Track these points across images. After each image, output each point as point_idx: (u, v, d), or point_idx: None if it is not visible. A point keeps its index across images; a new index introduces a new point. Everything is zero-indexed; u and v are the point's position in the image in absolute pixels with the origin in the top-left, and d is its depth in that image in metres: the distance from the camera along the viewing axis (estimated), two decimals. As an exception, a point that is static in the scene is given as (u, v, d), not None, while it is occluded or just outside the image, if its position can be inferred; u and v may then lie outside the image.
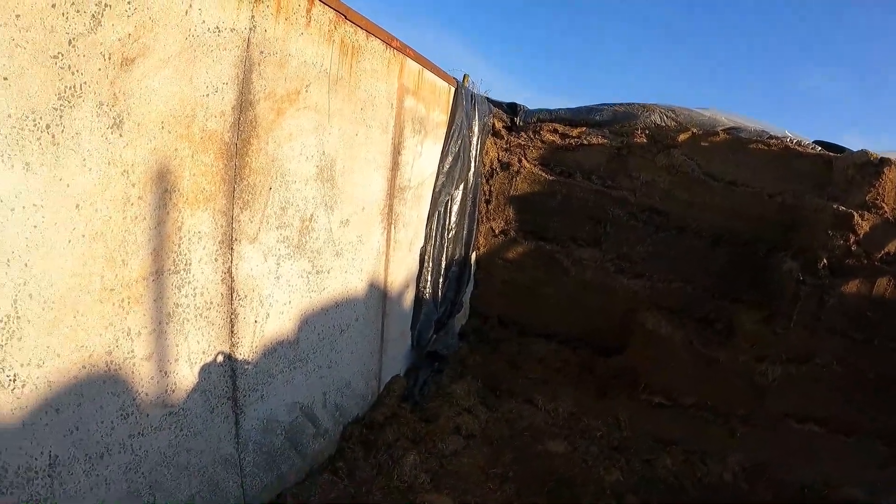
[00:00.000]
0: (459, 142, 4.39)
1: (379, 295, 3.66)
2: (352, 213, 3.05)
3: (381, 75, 3.14)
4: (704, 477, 4.71)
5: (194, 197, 2.03)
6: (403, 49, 3.37)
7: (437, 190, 4.21)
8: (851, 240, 4.59)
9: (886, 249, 4.62)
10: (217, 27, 1.97)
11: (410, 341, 4.43)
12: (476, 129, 4.77)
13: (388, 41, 3.18)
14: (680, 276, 5.35)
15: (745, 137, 5.28)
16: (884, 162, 4.64)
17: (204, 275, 2.14)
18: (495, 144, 5.36)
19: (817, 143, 5.48)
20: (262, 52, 2.18)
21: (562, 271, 5.46)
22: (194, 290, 2.11)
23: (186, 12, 1.84)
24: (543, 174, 5.44)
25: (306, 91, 2.47)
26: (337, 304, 3.12)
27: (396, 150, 3.48)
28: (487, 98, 5.85)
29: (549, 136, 5.42)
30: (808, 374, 4.75)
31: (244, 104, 2.14)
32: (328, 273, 2.98)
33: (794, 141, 5.38)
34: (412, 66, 3.55)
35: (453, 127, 4.28)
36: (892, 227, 4.64)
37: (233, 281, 2.28)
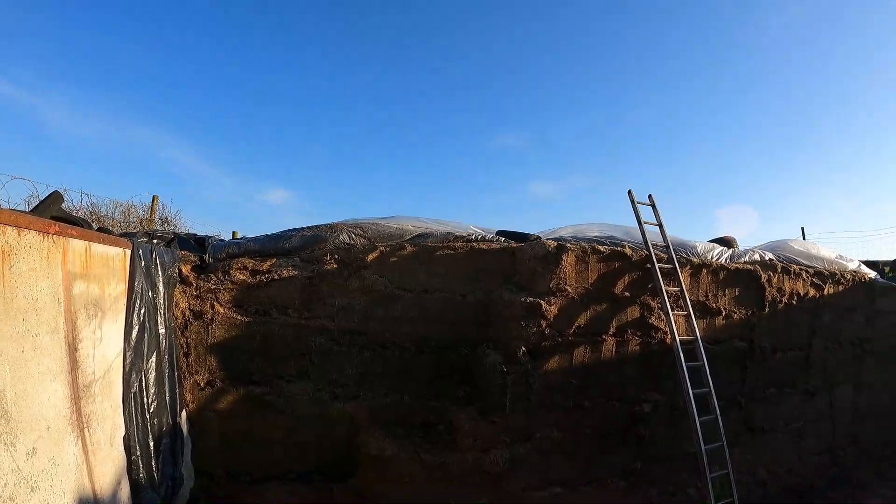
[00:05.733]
0: (143, 309, 4.22)
1: (87, 507, 3.35)
2: (37, 438, 2.79)
3: (41, 271, 2.96)
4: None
5: None
6: (64, 231, 3.22)
7: (126, 369, 3.97)
8: (544, 324, 5.37)
9: (577, 324, 5.52)
10: None
11: (138, 537, 4.08)
12: (161, 286, 4.63)
13: (46, 229, 3.01)
14: (393, 390, 5.71)
15: (431, 245, 5.86)
16: (561, 249, 5.48)
17: None
18: (185, 293, 5.24)
19: (500, 233, 6.28)
20: None
21: (276, 411, 5.50)
22: None
23: None
24: (239, 317, 5.47)
25: (-47, 326, 2.29)
26: (42, 542, 2.81)
27: (72, 348, 3.25)
28: (175, 235, 5.75)
29: (239, 276, 5.47)
30: (534, 448, 5.42)
31: None
32: (25, 514, 2.69)
33: (479, 237, 6.09)
34: (77, 245, 3.38)
35: (134, 294, 4.11)
36: (578, 305, 5.54)
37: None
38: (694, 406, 5.50)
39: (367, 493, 5.40)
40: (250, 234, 6.43)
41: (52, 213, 3.98)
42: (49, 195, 4.10)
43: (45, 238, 3.05)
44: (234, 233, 10.34)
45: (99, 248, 3.73)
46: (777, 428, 7.06)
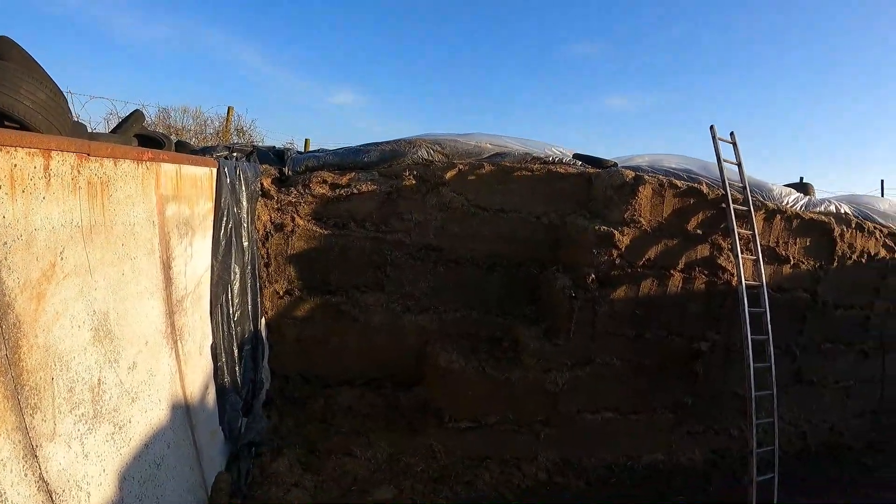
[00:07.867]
0: (229, 224, 4.28)
1: (182, 412, 3.51)
2: (136, 353, 2.90)
3: (137, 197, 2.96)
4: (522, 482, 5.37)
5: (-17, 434, 1.86)
6: (157, 157, 3.20)
7: (214, 282, 4.09)
8: (615, 254, 5.27)
9: (647, 256, 5.38)
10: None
11: (223, 434, 4.33)
12: (245, 201, 4.68)
13: (139, 158, 2.99)
14: (463, 305, 5.77)
15: (508, 166, 5.72)
16: (638, 180, 5.29)
17: (20, 495, 1.95)
18: (266, 206, 5.31)
19: (577, 156, 6.02)
20: (5, 244, 1.99)
21: (350, 320, 5.63)
22: (16, 513, 1.94)
23: None
24: (318, 229, 5.52)
25: (62, 259, 2.30)
26: (147, 444, 2.97)
27: (167, 266, 3.32)
28: (254, 148, 5.76)
29: (319, 189, 5.48)
30: (593, 373, 5.47)
31: (2, 310, 1.98)
32: (130, 422, 2.81)
33: (556, 159, 5.89)
34: (169, 169, 3.37)
35: (220, 211, 4.16)
36: (650, 238, 5.38)
37: (48, 484, 2.10)
38: (751, 352, 5.36)
39: (432, 402, 5.56)
40: (322, 142, 6.40)
41: (134, 131, 4.01)
42: (130, 114, 4.13)
43: (139, 165, 3.04)
44: (306, 140, 10.21)
45: (188, 170, 3.74)
46: (826, 384, 6.79)
